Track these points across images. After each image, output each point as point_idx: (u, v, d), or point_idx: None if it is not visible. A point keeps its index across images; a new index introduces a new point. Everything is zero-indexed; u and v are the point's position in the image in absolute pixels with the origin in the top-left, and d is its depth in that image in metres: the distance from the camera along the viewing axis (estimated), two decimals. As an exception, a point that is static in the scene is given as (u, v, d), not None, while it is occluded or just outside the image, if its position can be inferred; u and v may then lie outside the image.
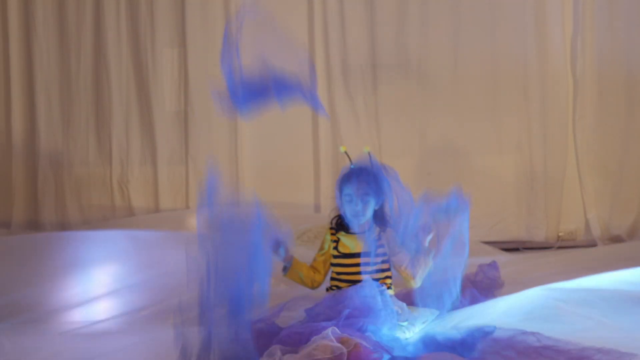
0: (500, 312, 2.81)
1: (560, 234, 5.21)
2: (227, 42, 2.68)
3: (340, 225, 3.02)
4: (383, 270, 2.95)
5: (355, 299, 2.69)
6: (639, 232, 5.08)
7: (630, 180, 5.12)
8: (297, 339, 2.50)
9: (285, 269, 3.00)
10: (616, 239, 5.07)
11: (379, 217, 2.99)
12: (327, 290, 3.01)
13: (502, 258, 4.24)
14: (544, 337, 2.51)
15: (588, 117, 5.16)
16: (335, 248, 3.00)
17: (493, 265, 3.47)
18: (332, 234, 3.03)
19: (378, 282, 2.85)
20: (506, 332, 2.56)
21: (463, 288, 3.01)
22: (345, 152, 3.01)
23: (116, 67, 5.37)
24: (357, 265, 2.94)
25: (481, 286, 3.29)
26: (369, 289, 2.73)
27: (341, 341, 2.42)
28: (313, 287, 3.04)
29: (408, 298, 2.98)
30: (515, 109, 5.22)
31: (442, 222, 2.89)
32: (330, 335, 2.42)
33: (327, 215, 3.09)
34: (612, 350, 2.38)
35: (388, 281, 2.96)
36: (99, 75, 5.40)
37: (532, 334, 2.53)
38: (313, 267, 3.03)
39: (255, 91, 2.73)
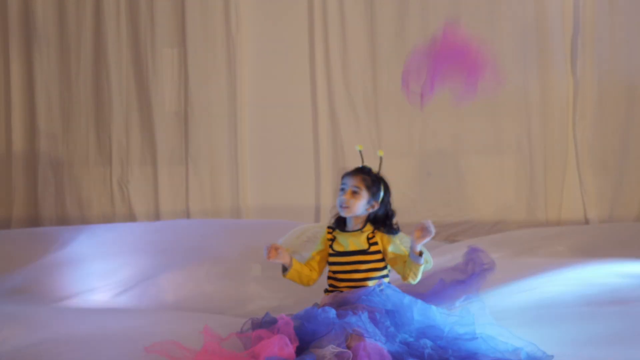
0: None
1: (560, 234, 5.20)
2: None
3: (337, 223, 3.02)
4: (378, 269, 2.95)
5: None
6: (638, 233, 5.08)
7: (630, 180, 5.12)
8: (307, 334, 2.53)
9: (284, 270, 3.01)
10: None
11: (378, 221, 2.97)
12: (325, 292, 3.01)
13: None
14: None
15: (588, 117, 5.15)
16: (331, 246, 3.00)
17: (480, 251, 3.18)
18: (329, 232, 3.04)
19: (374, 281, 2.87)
20: None
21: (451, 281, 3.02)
22: (360, 152, 3.05)
23: (116, 67, 5.37)
24: (351, 263, 2.94)
25: (474, 276, 3.08)
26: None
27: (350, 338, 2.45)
28: (308, 285, 3.06)
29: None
30: (516, 109, 5.21)
31: None
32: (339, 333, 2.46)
33: (327, 215, 3.10)
34: None
35: (386, 280, 2.95)
36: (99, 75, 5.40)
37: None
38: (310, 265, 3.04)
39: None
